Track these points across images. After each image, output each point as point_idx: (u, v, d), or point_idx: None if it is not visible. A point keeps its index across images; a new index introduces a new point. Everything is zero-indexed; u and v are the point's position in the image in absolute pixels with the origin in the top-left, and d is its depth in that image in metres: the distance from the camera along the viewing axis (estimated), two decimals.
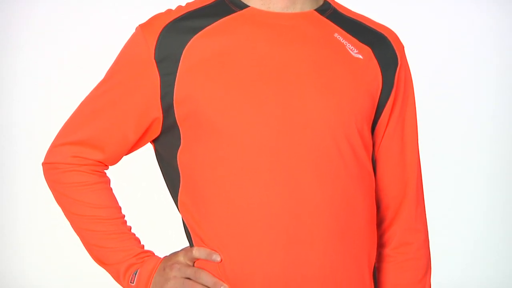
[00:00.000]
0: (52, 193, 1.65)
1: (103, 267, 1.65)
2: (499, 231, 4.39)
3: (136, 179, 4.10)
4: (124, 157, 1.65)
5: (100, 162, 1.62)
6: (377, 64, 1.60)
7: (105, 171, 1.66)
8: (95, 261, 1.65)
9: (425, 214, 1.69)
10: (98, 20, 4.29)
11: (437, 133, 4.25)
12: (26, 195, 4.36)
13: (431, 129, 4.08)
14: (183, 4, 1.60)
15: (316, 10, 1.59)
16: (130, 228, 1.65)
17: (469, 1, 4.34)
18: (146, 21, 1.57)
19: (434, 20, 4.29)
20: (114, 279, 1.64)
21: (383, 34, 1.64)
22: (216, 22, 1.55)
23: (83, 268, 4.24)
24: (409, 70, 1.66)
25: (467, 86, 4.36)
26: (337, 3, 1.65)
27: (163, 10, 1.59)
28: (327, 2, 1.62)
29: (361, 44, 1.60)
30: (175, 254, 1.61)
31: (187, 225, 1.59)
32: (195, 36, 1.53)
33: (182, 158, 1.55)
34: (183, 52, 1.52)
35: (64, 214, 1.65)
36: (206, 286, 1.55)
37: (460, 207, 4.39)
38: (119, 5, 4.21)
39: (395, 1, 4.17)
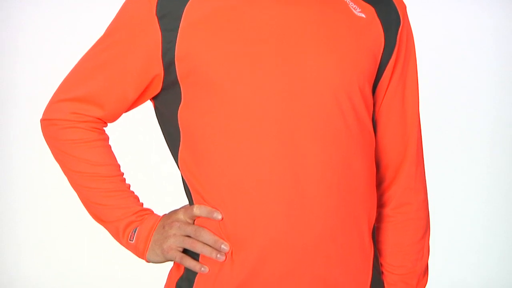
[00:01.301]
0: (50, 150, 1.64)
1: (101, 225, 1.64)
2: (501, 232, 4.38)
3: (135, 137, 4.06)
4: (124, 115, 1.64)
5: (99, 119, 1.61)
6: (380, 23, 1.59)
7: (104, 128, 1.64)
8: (94, 219, 1.65)
9: (425, 174, 1.69)
10: (97, 17, 4.22)
11: (436, 133, 4.22)
12: (25, 194, 4.34)
13: (430, 129, 4.04)
14: None
15: None
16: (129, 186, 1.64)
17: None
18: None
19: (432, 19, 4.24)
20: (113, 237, 1.63)
21: None
22: None
23: (82, 267, 4.25)
24: (411, 31, 1.65)
25: (466, 85, 4.32)
26: None
27: None
28: None
29: (364, 3, 1.60)
30: (174, 212, 1.61)
31: (187, 182, 1.58)
32: None
33: (183, 115, 1.54)
34: (185, 8, 1.51)
35: (63, 171, 1.64)
36: (206, 244, 1.55)
37: (461, 207, 4.37)
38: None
39: None
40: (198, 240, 1.56)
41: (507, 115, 4.32)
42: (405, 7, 1.64)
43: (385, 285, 1.66)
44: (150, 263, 1.65)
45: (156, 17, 1.50)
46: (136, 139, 4.09)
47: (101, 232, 4.15)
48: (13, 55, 4.27)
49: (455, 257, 4.32)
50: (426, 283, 1.69)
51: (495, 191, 4.37)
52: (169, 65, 1.52)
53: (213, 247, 1.55)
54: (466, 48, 4.28)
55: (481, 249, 4.37)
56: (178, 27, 1.50)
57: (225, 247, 1.53)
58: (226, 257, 1.54)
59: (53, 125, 1.61)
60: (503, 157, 4.35)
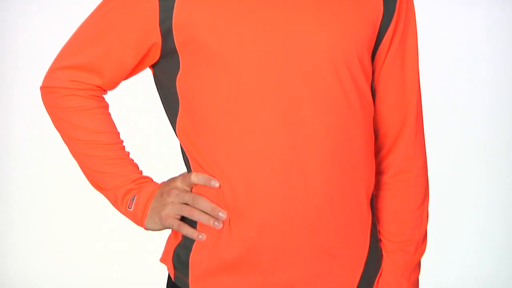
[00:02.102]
0: (50, 118, 1.65)
1: (100, 192, 1.64)
2: (501, 233, 4.36)
3: (134, 104, 4.03)
4: (122, 82, 1.64)
5: (99, 86, 1.61)
6: None
7: (104, 96, 1.65)
8: (93, 186, 1.65)
9: (424, 141, 1.68)
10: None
11: (436, 133, 4.19)
12: (25, 194, 4.33)
13: (430, 129, 4.02)
14: None
15: None
16: (129, 153, 1.65)
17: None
18: None
19: (432, 19, 4.23)
20: (112, 204, 1.63)
21: None
22: None
23: (82, 267, 4.24)
24: None
25: (466, 85, 4.31)
26: None
27: None
28: None
29: None
30: (173, 179, 1.61)
31: (185, 151, 1.59)
32: None
33: (181, 83, 1.54)
34: None
35: (62, 138, 1.64)
36: (204, 211, 1.56)
37: (461, 207, 4.36)
38: None
39: None
40: (195, 208, 1.56)
41: (507, 115, 4.32)
42: None
43: (383, 252, 1.66)
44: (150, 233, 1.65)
45: None
46: (135, 106, 4.06)
47: (101, 232, 4.13)
48: (13, 55, 4.28)
49: (455, 257, 4.30)
50: (425, 250, 1.68)
51: (495, 191, 4.36)
52: (166, 33, 1.52)
53: (210, 215, 1.55)
54: (466, 48, 4.28)
55: (481, 249, 4.35)
56: None
57: (222, 214, 1.54)
58: (223, 224, 1.54)
59: (52, 92, 1.62)
60: (503, 157, 4.34)
